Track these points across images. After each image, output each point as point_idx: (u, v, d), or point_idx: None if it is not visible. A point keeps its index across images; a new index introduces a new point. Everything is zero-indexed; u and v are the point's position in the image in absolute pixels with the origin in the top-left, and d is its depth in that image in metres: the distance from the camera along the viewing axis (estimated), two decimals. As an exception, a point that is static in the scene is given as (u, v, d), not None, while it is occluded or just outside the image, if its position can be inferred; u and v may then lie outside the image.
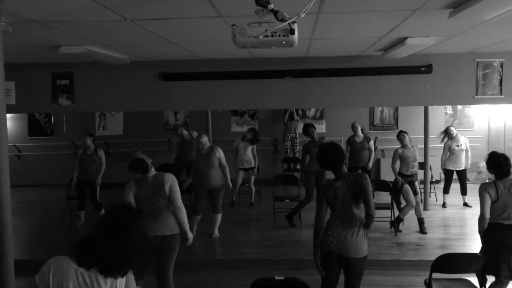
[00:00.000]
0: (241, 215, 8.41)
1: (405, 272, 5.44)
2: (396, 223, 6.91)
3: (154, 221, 4.15)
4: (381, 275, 5.45)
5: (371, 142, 8.73)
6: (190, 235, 4.34)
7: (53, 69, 6.20)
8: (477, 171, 10.39)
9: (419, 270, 5.19)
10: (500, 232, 4.05)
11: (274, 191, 7.57)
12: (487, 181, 9.42)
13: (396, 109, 11.17)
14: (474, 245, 6.29)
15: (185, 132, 8.96)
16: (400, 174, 7.03)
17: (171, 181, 4.22)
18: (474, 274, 3.97)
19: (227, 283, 5.30)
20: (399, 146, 7.11)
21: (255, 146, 8.95)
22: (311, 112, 11.35)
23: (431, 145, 8.45)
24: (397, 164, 7.14)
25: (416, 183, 7.01)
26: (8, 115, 6.35)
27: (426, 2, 3.24)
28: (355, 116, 10.99)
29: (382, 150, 11.09)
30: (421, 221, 6.92)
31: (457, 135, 8.42)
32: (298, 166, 9.24)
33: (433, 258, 3.89)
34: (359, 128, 8.72)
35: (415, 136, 10.10)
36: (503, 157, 4.16)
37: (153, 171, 4.32)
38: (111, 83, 6.22)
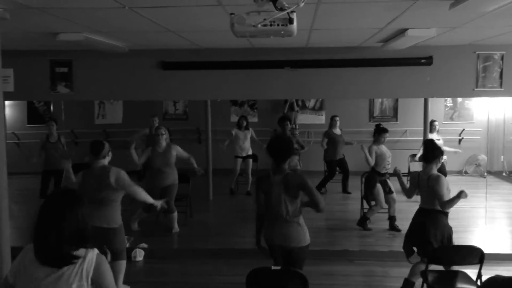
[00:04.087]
0: (238, 205, 8.43)
1: (402, 263, 5.45)
2: (362, 222, 6.76)
3: (97, 210, 4.18)
4: (378, 266, 5.48)
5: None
6: (157, 203, 4.64)
7: (51, 57, 6.16)
8: (475, 164, 10.41)
9: (416, 261, 5.22)
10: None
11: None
12: (485, 174, 9.50)
13: (396, 101, 11.14)
14: (471, 237, 6.33)
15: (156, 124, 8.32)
16: (375, 172, 6.67)
17: (115, 175, 4.29)
18: (469, 266, 3.99)
19: (224, 272, 5.32)
20: (372, 143, 6.72)
21: (253, 133, 9.02)
22: (310, 103, 11.33)
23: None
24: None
25: (389, 181, 6.73)
26: (7, 103, 6.34)
27: (427, -7, 3.22)
28: (354, 108, 10.98)
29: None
30: (393, 219, 6.71)
31: (438, 130, 8.70)
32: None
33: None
34: (338, 122, 9.01)
35: (415, 128, 10.13)
36: (431, 142, 4.57)
37: (104, 162, 4.43)
38: (110, 71, 6.19)
